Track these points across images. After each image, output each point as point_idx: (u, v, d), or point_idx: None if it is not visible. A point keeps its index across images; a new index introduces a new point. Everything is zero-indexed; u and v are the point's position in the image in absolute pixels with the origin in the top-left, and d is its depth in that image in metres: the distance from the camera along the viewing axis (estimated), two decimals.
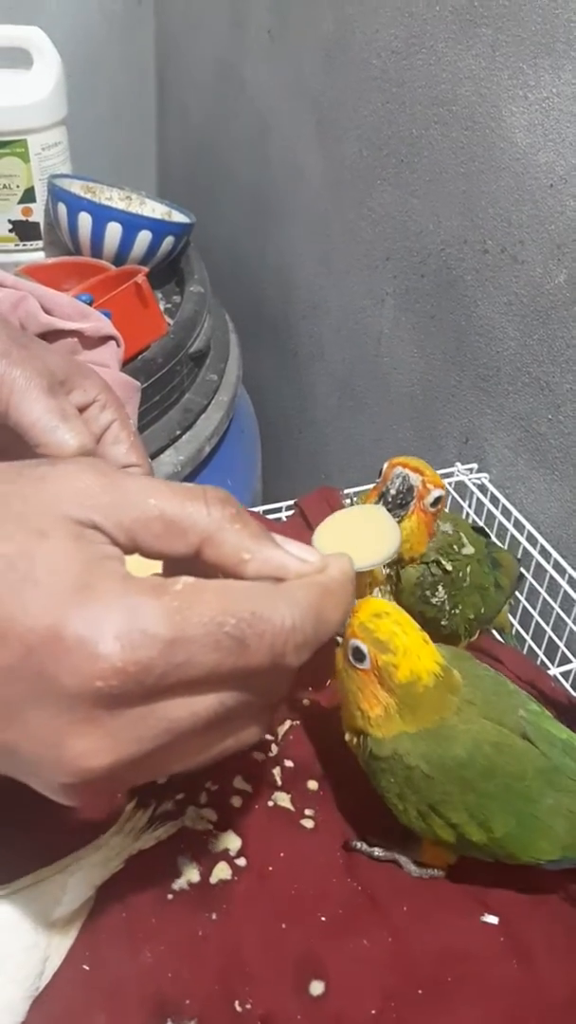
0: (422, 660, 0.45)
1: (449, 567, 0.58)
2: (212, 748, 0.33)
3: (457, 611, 0.60)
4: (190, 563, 0.32)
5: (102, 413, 0.46)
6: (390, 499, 0.55)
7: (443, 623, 0.60)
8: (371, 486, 0.82)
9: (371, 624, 0.44)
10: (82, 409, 0.45)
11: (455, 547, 0.59)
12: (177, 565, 0.33)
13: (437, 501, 0.56)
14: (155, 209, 1.19)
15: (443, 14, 0.82)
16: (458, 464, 0.90)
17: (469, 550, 0.60)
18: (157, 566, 0.35)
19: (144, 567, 0.32)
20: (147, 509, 0.31)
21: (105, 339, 0.81)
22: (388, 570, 0.59)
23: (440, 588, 0.58)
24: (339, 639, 0.46)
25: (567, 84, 0.70)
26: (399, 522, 0.54)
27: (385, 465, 0.57)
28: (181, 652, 0.28)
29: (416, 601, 0.58)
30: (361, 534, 0.50)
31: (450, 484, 0.87)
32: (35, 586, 0.28)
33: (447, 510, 0.86)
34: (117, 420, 0.46)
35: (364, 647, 0.44)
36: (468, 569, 0.60)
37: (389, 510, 0.54)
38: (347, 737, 0.48)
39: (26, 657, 0.28)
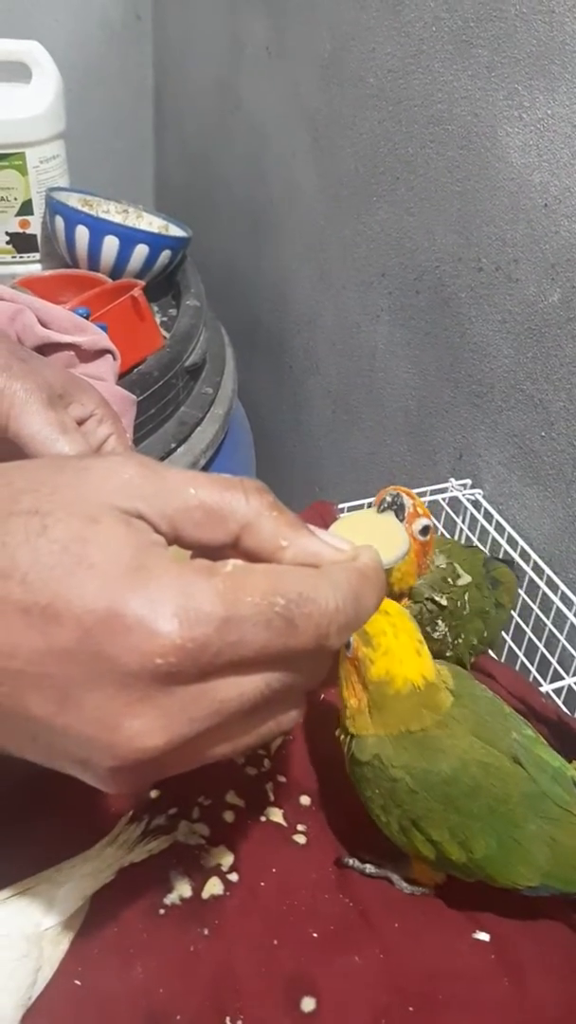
0: (404, 666, 0.45)
1: (445, 602, 0.58)
2: (254, 732, 0.33)
3: (460, 640, 0.60)
4: (221, 557, 0.32)
5: (99, 427, 0.46)
6: (384, 510, 0.56)
7: (448, 655, 0.60)
8: (365, 501, 0.82)
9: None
10: (80, 422, 0.45)
11: (449, 580, 0.59)
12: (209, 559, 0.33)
13: (426, 530, 0.57)
14: (152, 223, 1.19)
15: (439, 34, 0.83)
16: (452, 480, 0.90)
17: (465, 579, 0.61)
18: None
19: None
20: (188, 498, 0.32)
21: (101, 352, 0.81)
22: None
23: (439, 622, 0.58)
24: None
25: (562, 106, 0.71)
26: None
27: (378, 494, 0.58)
28: (234, 630, 0.29)
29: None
30: (372, 536, 0.51)
31: (444, 499, 0.88)
32: (90, 569, 0.29)
33: (441, 526, 0.86)
34: (114, 434, 0.47)
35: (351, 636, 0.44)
36: (466, 597, 0.61)
37: (380, 511, 0.55)
38: (336, 732, 0.48)
39: (84, 639, 0.28)
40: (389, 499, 0.56)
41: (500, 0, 0.75)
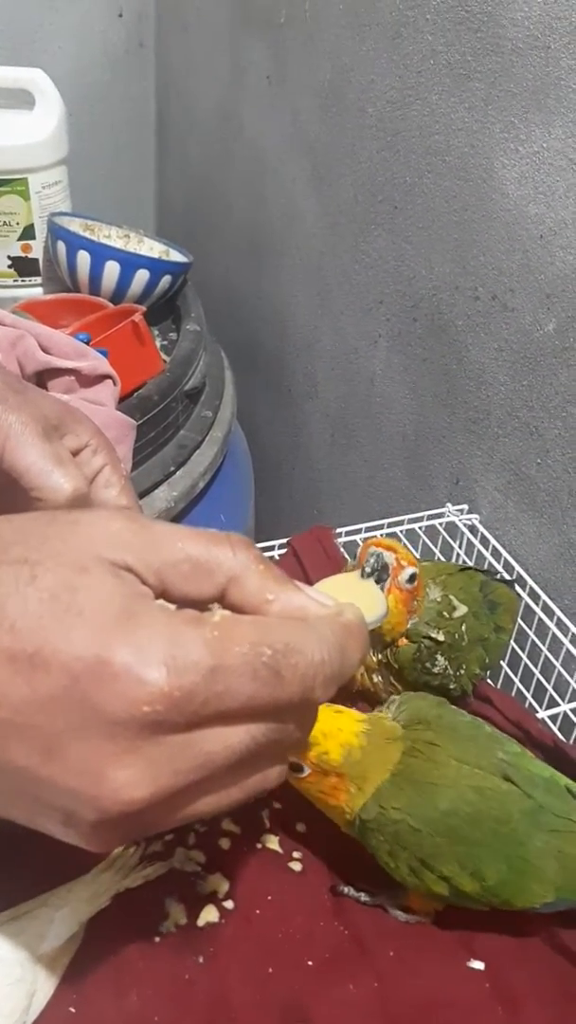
0: (344, 730, 0.46)
1: (442, 637, 0.58)
2: (239, 787, 0.33)
3: (462, 671, 0.61)
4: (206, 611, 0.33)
5: (94, 457, 0.47)
6: (366, 576, 0.55)
7: (451, 687, 0.60)
8: (362, 525, 0.83)
9: None
10: (75, 453, 0.46)
11: (445, 613, 0.60)
12: None
13: (412, 578, 0.57)
14: (153, 247, 1.21)
15: (437, 67, 0.85)
16: (449, 504, 0.91)
17: (461, 610, 0.61)
18: None
19: None
20: (176, 552, 0.32)
21: (102, 378, 0.82)
22: (380, 655, 0.59)
23: (439, 657, 0.59)
24: None
25: (557, 140, 0.72)
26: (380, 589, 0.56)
27: (360, 547, 0.58)
28: (221, 680, 0.29)
29: (419, 675, 0.59)
30: (352, 599, 0.52)
31: (441, 524, 0.88)
32: (79, 616, 0.29)
33: (438, 551, 0.87)
34: (109, 464, 0.47)
35: (293, 759, 0.45)
36: (464, 628, 0.61)
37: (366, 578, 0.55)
38: (343, 829, 0.49)
39: (71, 686, 0.28)
40: (371, 564, 0.56)
41: (497, 35, 0.77)
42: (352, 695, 0.62)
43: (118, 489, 0.47)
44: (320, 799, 0.47)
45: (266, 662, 0.30)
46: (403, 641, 0.58)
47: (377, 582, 0.56)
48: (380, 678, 0.60)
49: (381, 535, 0.84)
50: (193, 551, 0.32)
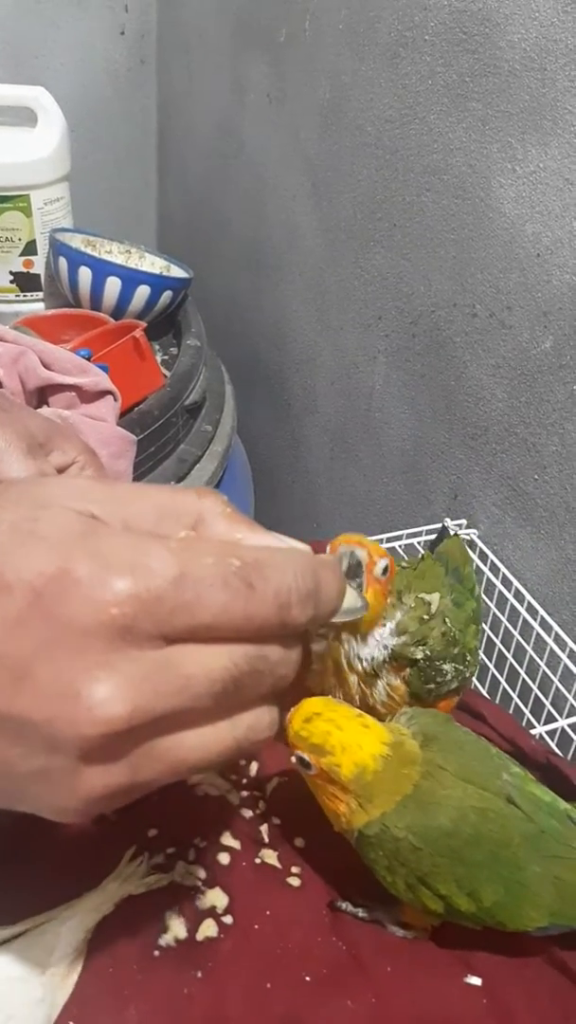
0: (364, 748, 0.45)
1: (423, 653, 0.58)
2: (229, 726, 0.32)
3: (468, 660, 0.60)
4: None
5: (82, 474, 0.46)
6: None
7: (468, 675, 0.60)
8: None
9: (304, 731, 0.45)
10: (62, 469, 0.45)
11: (424, 615, 0.58)
12: None
13: (386, 570, 0.56)
14: (154, 263, 1.21)
15: (435, 88, 0.86)
16: (447, 519, 0.91)
17: (435, 601, 0.60)
18: None
19: None
20: (141, 501, 0.32)
21: (103, 393, 0.83)
22: (364, 664, 0.59)
23: (443, 666, 0.58)
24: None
25: (554, 160, 0.73)
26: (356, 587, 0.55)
27: (328, 547, 0.58)
28: (190, 588, 0.28)
29: (436, 689, 0.58)
30: None
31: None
32: (40, 540, 0.28)
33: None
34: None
35: (305, 756, 0.45)
36: (448, 621, 0.60)
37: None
38: (336, 829, 0.49)
39: (34, 603, 0.27)
40: (345, 563, 0.55)
41: (494, 57, 0.78)
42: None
43: None
44: (321, 799, 0.47)
45: (235, 572, 0.29)
46: (405, 673, 0.57)
47: (354, 578, 0.55)
48: (372, 690, 0.60)
49: None
50: (158, 499, 0.32)
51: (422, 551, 0.87)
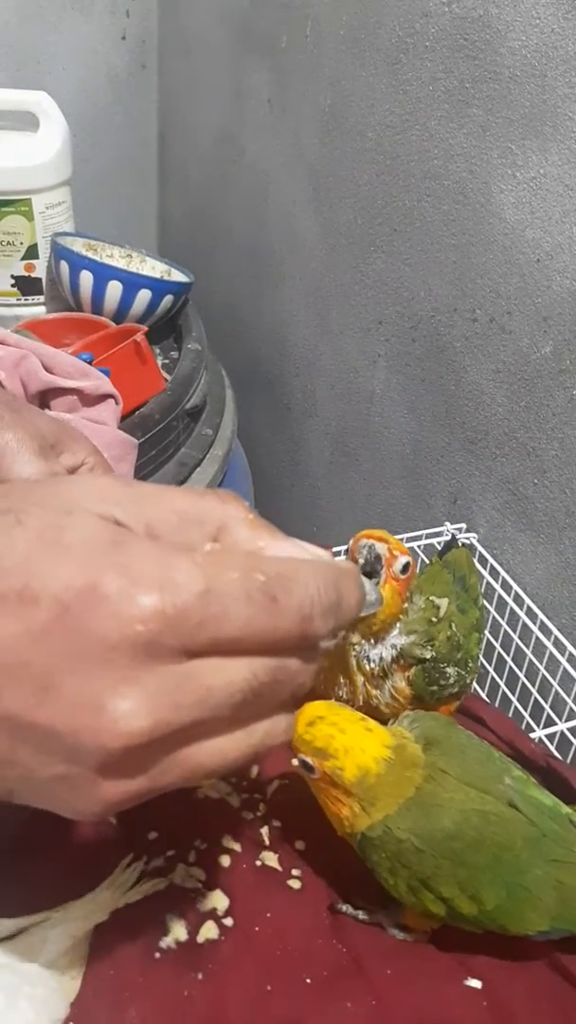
0: (367, 752, 0.45)
1: (432, 652, 0.58)
2: (245, 735, 0.32)
3: (470, 665, 0.61)
4: None
5: (91, 475, 0.47)
6: (361, 569, 0.55)
7: (468, 681, 0.60)
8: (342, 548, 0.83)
9: (308, 734, 0.45)
10: (72, 470, 0.46)
11: (433, 618, 0.59)
12: None
13: (406, 568, 0.56)
14: (155, 267, 1.22)
15: (436, 93, 0.86)
16: (447, 523, 0.92)
17: (444, 606, 0.61)
18: None
19: None
20: (163, 505, 0.32)
21: (104, 397, 0.83)
22: (373, 665, 0.59)
23: (446, 669, 0.59)
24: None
25: (553, 166, 0.73)
26: (376, 584, 0.55)
27: (351, 540, 0.58)
28: (215, 602, 0.28)
29: (438, 692, 0.59)
30: None
31: (439, 542, 0.89)
32: (67, 550, 0.28)
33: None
34: None
35: (308, 759, 0.45)
36: (453, 626, 0.61)
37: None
38: (339, 833, 0.49)
39: (62, 616, 0.27)
40: (364, 556, 0.55)
41: (495, 63, 0.78)
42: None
43: None
44: (323, 802, 0.47)
45: (260, 587, 0.29)
46: (410, 673, 0.58)
47: (372, 574, 0.56)
48: (378, 691, 0.60)
49: None
50: (180, 504, 0.32)
51: (422, 555, 0.87)
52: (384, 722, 0.51)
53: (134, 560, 0.28)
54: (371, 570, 0.55)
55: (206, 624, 0.28)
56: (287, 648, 0.31)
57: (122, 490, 0.32)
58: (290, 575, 0.30)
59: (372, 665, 0.59)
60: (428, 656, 0.58)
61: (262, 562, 0.30)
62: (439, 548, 0.88)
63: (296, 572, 0.31)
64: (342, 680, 0.57)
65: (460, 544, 0.70)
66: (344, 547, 0.82)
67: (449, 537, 0.89)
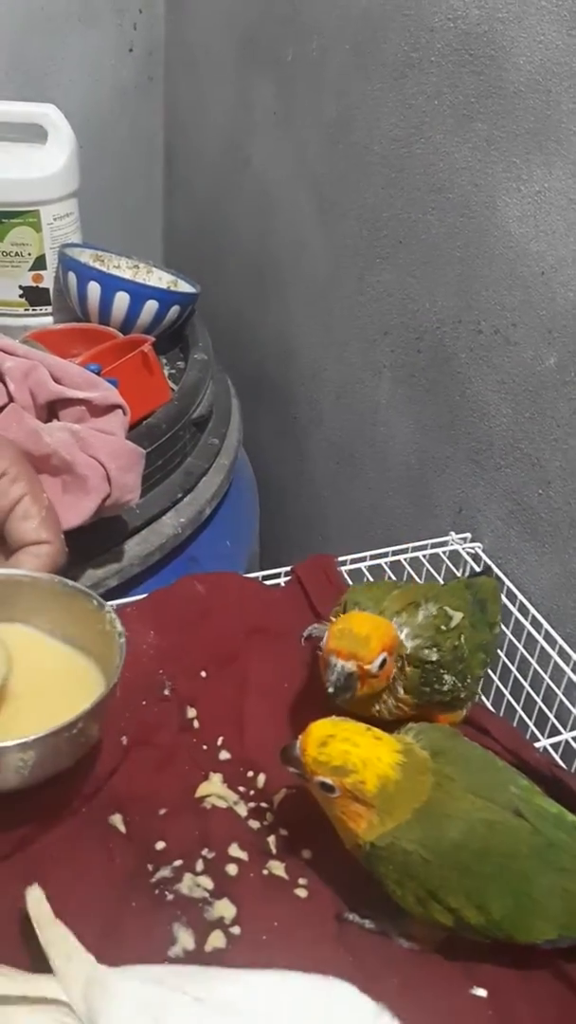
0: (383, 760, 0.46)
1: (438, 657, 0.59)
2: None
3: (469, 680, 0.61)
4: None
5: (12, 486, 0.46)
6: (333, 691, 0.55)
7: (463, 696, 0.61)
8: (366, 554, 0.84)
9: (323, 755, 0.46)
10: None
11: (443, 626, 0.60)
12: None
13: (383, 663, 0.55)
14: (162, 278, 1.23)
15: (441, 108, 0.87)
16: (452, 533, 0.92)
17: (457, 618, 0.61)
18: None
19: None
20: None
21: (112, 407, 0.83)
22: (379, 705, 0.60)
23: (444, 675, 0.59)
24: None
25: (558, 180, 0.74)
26: (349, 698, 0.55)
27: (321, 649, 0.56)
28: None
29: (430, 695, 0.59)
30: None
31: (444, 552, 0.89)
32: None
33: (441, 579, 0.88)
34: (29, 494, 0.46)
35: (328, 780, 0.46)
36: (462, 639, 0.62)
37: (335, 698, 0.54)
38: (348, 848, 0.49)
39: None
40: (333, 682, 0.54)
41: (499, 78, 0.79)
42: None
43: (37, 521, 0.45)
44: (339, 819, 0.48)
45: None
46: (407, 669, 0.58)
47: (347, 689, 0.54)
48: (381, 704, 0.61)
49: (385, 563, 0.85)
50: None
51: (428, 565, 0.88)
52: (388, 731, 0.51)
53: None
54: (344, 688, 0.55)
55: None
56: None
57: None
58: None
59: (376, 707, 0.59)
60: (433, 659, 0.58)
61: None
62: (445, 558, 0.89)
63: None
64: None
65: (494, 575, 0.71)
66: (350, 557, 0.83)
67: (454, 547, 0.90)
